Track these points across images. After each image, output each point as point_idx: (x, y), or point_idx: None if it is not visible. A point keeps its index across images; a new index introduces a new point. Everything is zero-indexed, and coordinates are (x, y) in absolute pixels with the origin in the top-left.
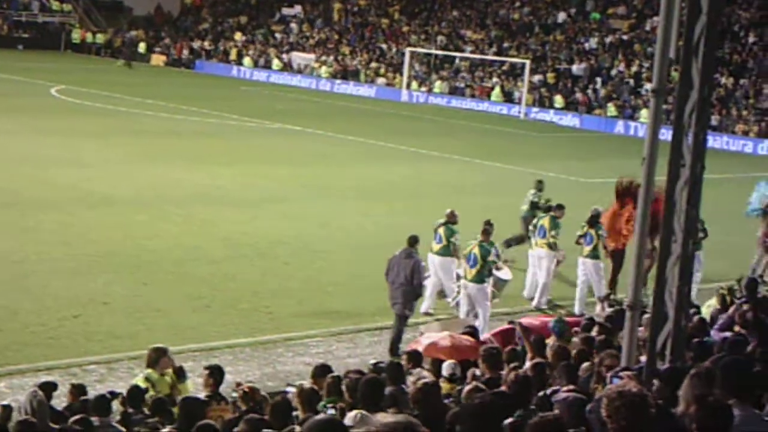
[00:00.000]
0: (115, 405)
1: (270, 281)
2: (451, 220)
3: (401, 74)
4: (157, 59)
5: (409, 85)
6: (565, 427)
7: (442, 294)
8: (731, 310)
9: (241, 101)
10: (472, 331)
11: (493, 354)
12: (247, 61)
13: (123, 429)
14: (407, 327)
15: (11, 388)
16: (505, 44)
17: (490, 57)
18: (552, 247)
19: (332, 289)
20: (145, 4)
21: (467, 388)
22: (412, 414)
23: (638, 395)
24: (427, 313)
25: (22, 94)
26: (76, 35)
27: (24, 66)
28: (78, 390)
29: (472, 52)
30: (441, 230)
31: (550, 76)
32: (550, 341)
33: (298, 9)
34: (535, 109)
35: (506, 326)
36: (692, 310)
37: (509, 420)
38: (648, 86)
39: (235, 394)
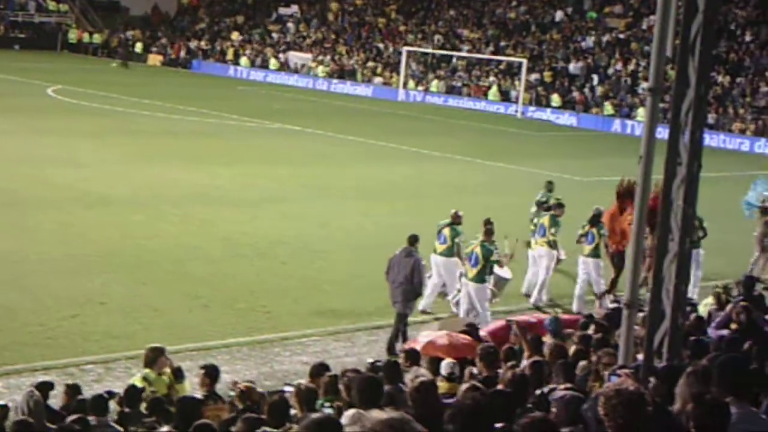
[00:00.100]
0: (113, 404)
1: (268, 281)
2: (456, 221)
3: (398, 73)
4: (154, 59)
5: (406, 85)
6: (553, 426)
7: (443, 293)
8: (728, 308)
9: (239, 101)
10: (470, 330)
11: (490, 352)
12: (244, 60)
13: (120, 428)
14: (408, 327)
15: (9, 388)
16: (502, 43)
17: (487, 56)
18: (552, 245)
19: (330, 289)
20: (141, 4)
21: (463, 386)
22: (409, 413)
23: (635, 393)
24: (424, 312)
25: (19, 94)
26: (72, 35)
27: (20, 66)
28: (73, 390)
29: (468, 51)
30: (446, 231)
31: (547, 75)
32: (548, 340)
33: (294, 8)
34: (532, 108)
35: (500, 323)
36: (689, 308)
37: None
38: (645, 85)
39: (232, 393)
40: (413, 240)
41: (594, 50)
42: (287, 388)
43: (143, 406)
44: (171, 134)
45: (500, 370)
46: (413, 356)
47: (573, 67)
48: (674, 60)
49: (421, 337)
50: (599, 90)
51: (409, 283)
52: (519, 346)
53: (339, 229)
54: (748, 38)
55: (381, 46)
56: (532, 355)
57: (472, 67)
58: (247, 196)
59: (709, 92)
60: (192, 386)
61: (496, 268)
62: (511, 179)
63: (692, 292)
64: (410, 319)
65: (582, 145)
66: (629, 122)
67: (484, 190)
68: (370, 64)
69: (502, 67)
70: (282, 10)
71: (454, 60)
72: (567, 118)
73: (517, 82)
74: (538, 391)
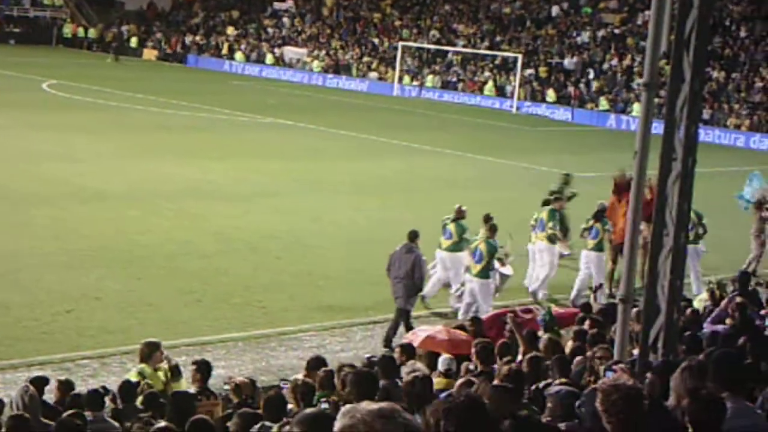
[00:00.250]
0: (107, 400)
1: (262, 276)
2: (460, 216)
3: (393, 68)
4: (149, 54)
5: (401, 80)
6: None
7: (448, 284)
8: (723, 303)
9: (233, 96)
10: (474, 324)
11: (485, 348)
12: (238, 55)
13: (116, 423)
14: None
15: (4, 383)
16: (497, 38)
17: (482, 51)
18: (551, 239)
19: (324, 284)
20: None
21: (459, 382)
22: (404, 407)
23: (633, 389)
24: (424, 299)
25: (14, 89)
26: (67, 30)
27: (15, 61)
28: (66, 386)
29: (464, 46)
30: (451, 226)
31: (542, 70)
32: (542, 334)
33: (290, 3)
34: (527, 103)
35: (493, 312)
36: (684, 304)
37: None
38: (640, 80)
39: (227, 387)
40: (414, 236)
41: (589, 45)
42: (283, 384)
43: (139, 401)
44: (165, 129)
45: (496, 366)
46: (409, 351)
47: (568, 62)
48: (669, 55)
49: (419, 332)
50: (594, 85)
51: (409, 279)
52: (513, 340)
53: (332, 223)
54: (742, 34)
55: (376, 41)
56: (527, 350)
57: (468, 63)
58: (240, 191)
59: (704, 88)
60: (188, 383)
61: (497, 265)
62: (504, 174)
63: (696, 287)
64: (414, 313)
65: (577, 141)
66: (624, 117)
67: (477, 184)
68: (366, 59)
69: (497, 62)
70: (277, 5)
71: (450, 55)
72: (562, 113)
73: (512, 78)
74: (533, 387)
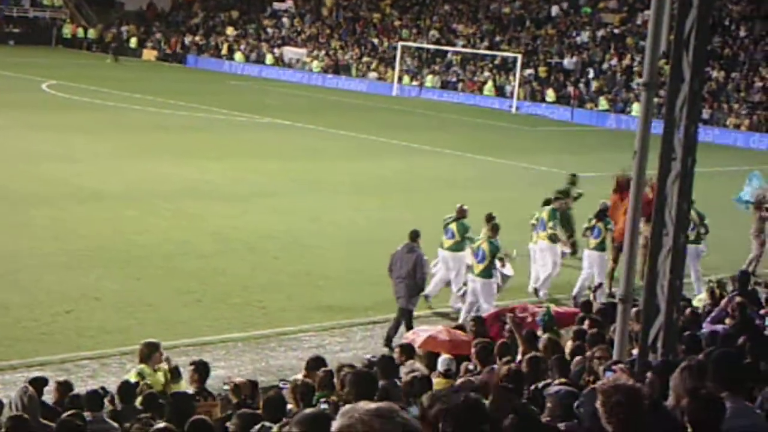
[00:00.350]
0: (106, 402)
1: (260, 276)
2: (462, 215)
3: (393, 69)
4: (149, 54)
5: (400, 80)
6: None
7: (449, 283)
8: (723, 303)
9: (232, 96)
10: (476, 324)
11: (485, 348)
12: (238, 55)
13: (115, 424)
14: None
15: (3, 384)
16: (497, 38)
17: (481, 51)
18: (553, 239)
19: (323, 284)
20: (136, 0)
21: (459, 382)
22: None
23: (633, 389)
24: (426, 298)
25: (13, 89)
26: (67, 30)
27: (15, 61)
28: (64, 387)
29: (463, 46)
30: (453, 226)
31: (542, 70)
32: (541, 334)
33: (289, 3)
34: (526, 103)
35: (494, 311)
36: (683, 303)
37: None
38: (639, 80)
39: (226, 387)
40: (415, 235)
41: (588, 45)
42: (283, 384)
43: (138, 402)
44: (163, 129)
45: (495, 366)
46: (408, 351)
47: (567, 62)
48: (669, 55)
49: (420, 332)
50: (594, 85)
51: (411, 279)
52: (512, 340)
53: (330, 223)
54: (742, 33)
55: (376, 41)
56: (526, 350)
57: (467, 63)
58: (238, 191)
59: (704, 87)
60: (187, 384)
61: (498, 265)
62: (504, 174)
63: (696, 287)
64: (416, 313)
65: (576, 141)
66: (624, 117)
67: (476, 184)
68: (365, 59)
69: (496, 62)
70: (276, 5)
71: (449, 55)
72: (562, 113)
73: (511, 78)
74: (533, 387)
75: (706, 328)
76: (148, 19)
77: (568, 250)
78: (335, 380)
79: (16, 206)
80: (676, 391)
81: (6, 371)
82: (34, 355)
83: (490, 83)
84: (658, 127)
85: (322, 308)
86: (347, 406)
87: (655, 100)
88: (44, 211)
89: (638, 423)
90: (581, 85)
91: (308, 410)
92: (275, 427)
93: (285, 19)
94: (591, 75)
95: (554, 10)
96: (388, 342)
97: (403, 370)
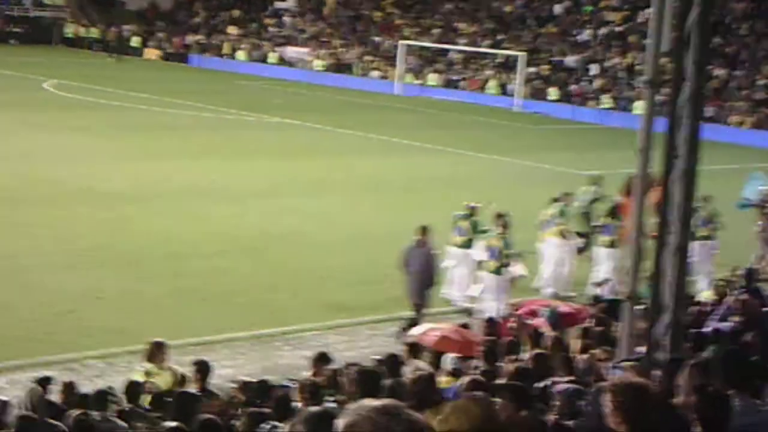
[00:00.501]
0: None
1: (265, 275)
2: (472, 213)
3: (395, 67)
4: (151, 53)
5: (402, 78)
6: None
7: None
8: (729, 300)
9: (234, 95)
10: (489, 325)
11: (491, 347)
12: (240, 54)
13: (124, 423)
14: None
15: (10, 384)
16: (499, 37)
17: (484, 49)
18: (564, 235)
19: (328, 283)
20: None
21: (465, 380)
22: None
23: (642, 386)
24: (445, 299)
25: (15, 88)
26: (68, 30)
27: (16, 60)
28: (69, 388)
29: (465, 44)
30: (463, 223)
31: (544, 69)
32: (547, 332)
33: (291, 2)
34: (529, 102)
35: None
36: (689, 300)
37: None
38: (642, 78)
39: (233, 386)
40: (425, 231)
41: (591, 43)
42: (290, 383)
43: (146, 401)
44: (165, 128)
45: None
46: (415, 349)
47: (570, 60)
48: (671, 53)
49: (432, 331)
50: (597, 83)
51: (422, 274)
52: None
53: (333, 222)
54: (744, 31)
55: (378, 39)
56: (532, 348)
57: (469, 61)
58: (241, 190)
59: (706, 85)
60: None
61: (509, 263)
62: (507, 172)
63: (703, 284)
64: (433, 309)
65: (579, 139)
66: (627, 115)
67: (478, 183)
68: (367, 57)
69: (499, 60)
70: (278, 4)
71: (451, 53)
72: (564, 112)
73: (514, 76)
74: (540, 384)
75: (713, 325)
76: (149, 19)
77: (581, 245)
78: (342, 379)
79: (19, 206)
80: (684, 388)
81: (13, 371)
82: (37, 355)
83: (492, 81)
84: (661, 125)
85: (326, 306)
86: (352, 404)
87: (659, 97)
88: (46, 211)
89: (647, 421)
90: (584, 84)
91: (313, 408)
92: (286, 426)
93: (286, 18)
94: (593, 73)
95: (556, 8)
96: (401, 337)
97: (407, 368)
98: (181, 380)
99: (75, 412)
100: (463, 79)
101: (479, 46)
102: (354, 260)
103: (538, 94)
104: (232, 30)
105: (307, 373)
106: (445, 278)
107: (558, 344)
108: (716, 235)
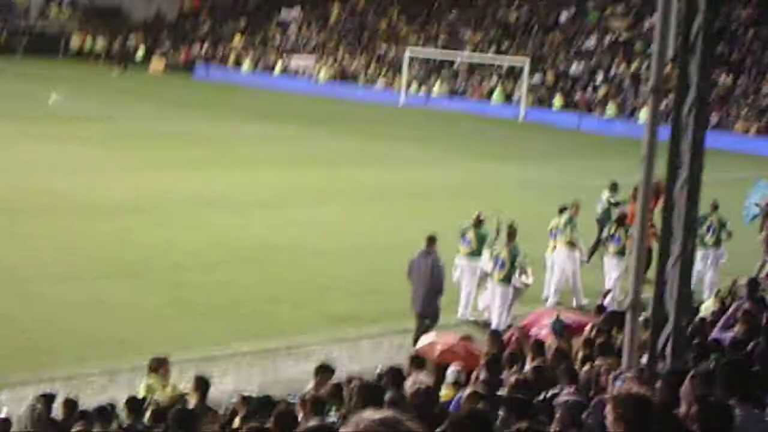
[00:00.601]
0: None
1: (267, 286)
2: (479, 222)
3: (400, 76)
4: (156, 64)
5: (408, 87)
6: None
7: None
8: (732, 310)
9: (238, 105)
10: (493, 337)
11: (494, 358)
12: (246, 64)
13: None
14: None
15: (11, 400)
16: (504, 45)
17: (489, 55)
18: (571, 245)
19: (331, 294)
20: (143, 10)
21: (466, 392)
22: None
23: (644, 397)
24: (464, 321)
25: (20, 100)
26: (74, 42)
27: (22, 72)
28: (70, 405)
29: (471, 52)
30: (470, 234)
31: (549, 77)
32: (551, 342)
33: (296, 12)
34: (534, 110)
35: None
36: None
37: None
38: (647, 86)
39: (234, 400)
40: (431, 240)
41: (596, 51)
42: (292, 398)
43: (146, 416)
44: (168, 139)
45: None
46: (418, 362)
47: (575, 68)
48: (676, 60)
49: (437, 345)
50: (601, 91)
51: (428, 283)
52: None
53: (336, 232)
54: (749, 38)
55: (383, 48)
56: (534, 359)
57: (475, 69)
58: (243, 201)
59: (711, 92)
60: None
61: (516, 274)
62: (512, 181)
63: (706, 294)
64: (443, 321)
65: (584, 147)
66: (632, 123)
67: (483, 192)
68: (373, 66)
69: (504, 68)
70: (284, 14)
71: (457, 62)
72: (569, 120)
73: (519, 84)
74: (541, 396)
75: (715, 335)
76: (155, 30)
77: (584, 257)
78: (344, 392)
79: (20, 218)
80: (686, 398)
81: (14, 387)
82: (39, 368)
83: (497, 90)
84: (665, 133)
85: (329, 317)
86: (353, 416)
87: (664, 104)
88: (48, 222)
89: (649, 431)
90: (589, 92)
91: (313, 422)
92: None
93: (292, 28)
94: (598, 81)
95: (561, 16)
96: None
97: (407, 382)
98: (182, 397)
99: (76, 429)
100: (469, 87)
101: (484, 54)
102: (357, 270)
103: (543, 102)
104: (238, 40)
105: (309, 386)
106: (456, 293)
107: (560, 355)
108: (723, 244)
